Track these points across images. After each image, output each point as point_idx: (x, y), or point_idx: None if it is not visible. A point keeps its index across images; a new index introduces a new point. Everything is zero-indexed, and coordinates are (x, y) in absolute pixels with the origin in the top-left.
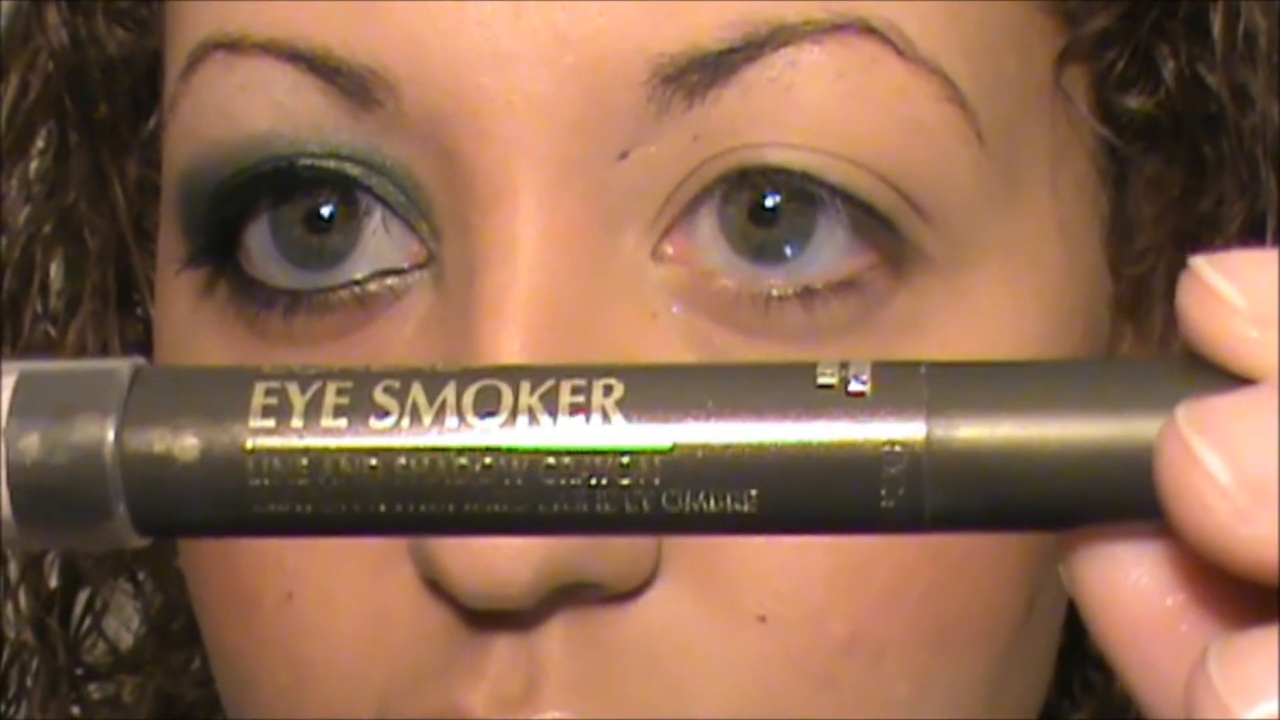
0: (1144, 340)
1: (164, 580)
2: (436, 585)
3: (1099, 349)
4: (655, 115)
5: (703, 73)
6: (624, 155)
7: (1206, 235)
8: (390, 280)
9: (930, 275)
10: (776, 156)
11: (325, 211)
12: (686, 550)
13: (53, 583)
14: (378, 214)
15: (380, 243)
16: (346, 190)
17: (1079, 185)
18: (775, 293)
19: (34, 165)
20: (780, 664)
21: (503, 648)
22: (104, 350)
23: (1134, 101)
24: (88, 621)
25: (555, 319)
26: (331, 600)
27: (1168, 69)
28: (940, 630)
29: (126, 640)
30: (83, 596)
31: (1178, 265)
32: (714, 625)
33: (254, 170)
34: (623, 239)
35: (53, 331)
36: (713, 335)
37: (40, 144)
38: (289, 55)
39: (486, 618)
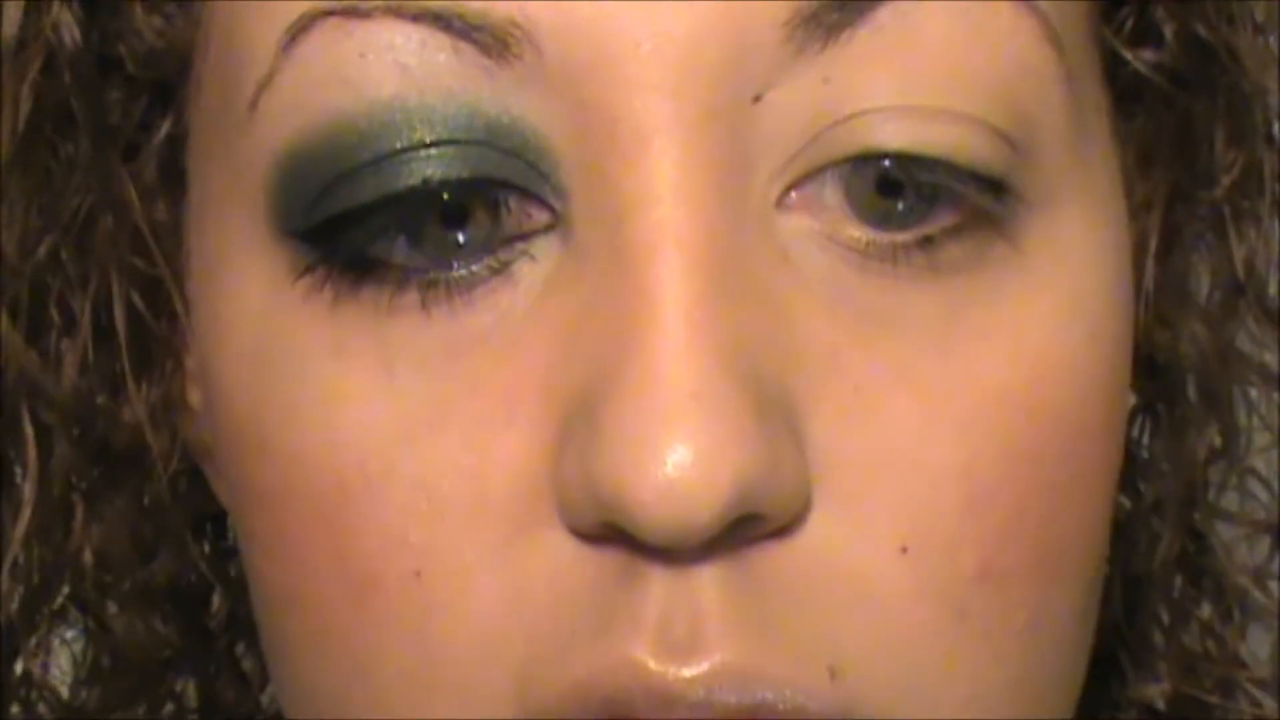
0: (1137, 301)
1: (106, 628)
2: (589, 535)
3: (1134, 296)
4: (792, 56)
5: (842, 13)
6: (758, 98)
7: (1200, 192)
8: (518, 245)
9: (1029, 215)
10: (899, 137)
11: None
12: (835, 483)
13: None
14: (508, 200)
15: (505, 217)
16: (476, 191)
17: (1110, 139)
18: (900, 240)
19: (38, 173)
20: (919, 596)
21: (660, 594)
22: (110, 380)
23: (1142, 58)
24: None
25: (708, 257)
26: (466, 573)
27: (1168, 28)
28: (1054, 558)
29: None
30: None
31: (1170, 222)
32: (862, 557)
33: (376, 169)
34: (754, 182)
35: (59, 345)
36: (843, 277)
37: (47, 150)
38: (416, 15)
39: (639, 566)
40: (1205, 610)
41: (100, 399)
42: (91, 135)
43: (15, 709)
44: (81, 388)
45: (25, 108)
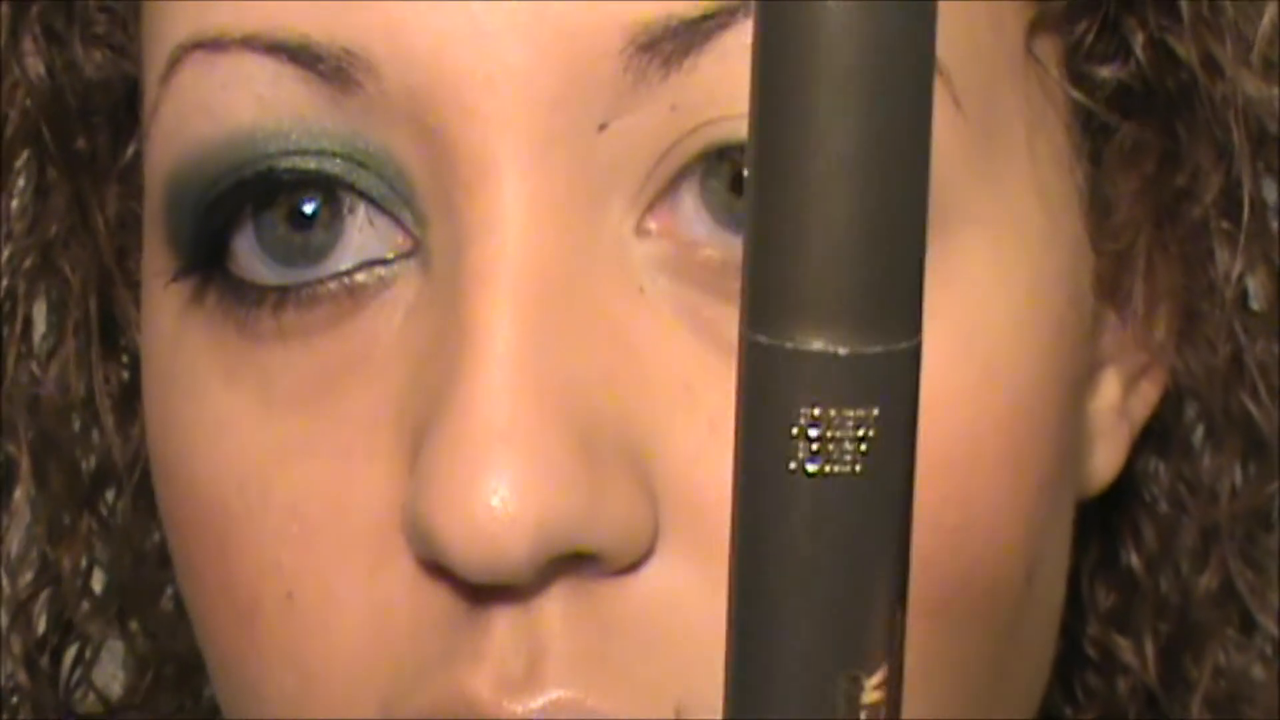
0: (1126, 323)
1: (154, 627)
2: (436, 567)
3: (1083, 324)
4: (633, 85)
5: (678, 41)
6: (603, 127)
7: (1184, 209)
8: (378, 270)
9: None
10: None
11: (308, 209)
12: (686, 522)
13: (41, 629)
14: (361, 210)
15: (365, 236)
16: (329, 190)
17: (1056, 156)
18: None
19: (14, 200)
20: None
21: (503, 628)
22: (88, 392)
23: (1105, 72)
24: (78, 672)
25: (544, 290)
26: (332, 597)
27: (1137, 41)
28: (944, 600)
29: (116, 691)
30: (72, 648)
31: (1156, 242)
32: (714, 601)
33: (237, 173)
34: (607, 213)
35: (37, 371)
36: (701, 307)
37: (19, 178)
38: (269, 48)
39: (486, 599)
40: (1251, 652)
41: (84, 413)
42: (61, 161)
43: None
44: (64, 401)
45: (1, 134)
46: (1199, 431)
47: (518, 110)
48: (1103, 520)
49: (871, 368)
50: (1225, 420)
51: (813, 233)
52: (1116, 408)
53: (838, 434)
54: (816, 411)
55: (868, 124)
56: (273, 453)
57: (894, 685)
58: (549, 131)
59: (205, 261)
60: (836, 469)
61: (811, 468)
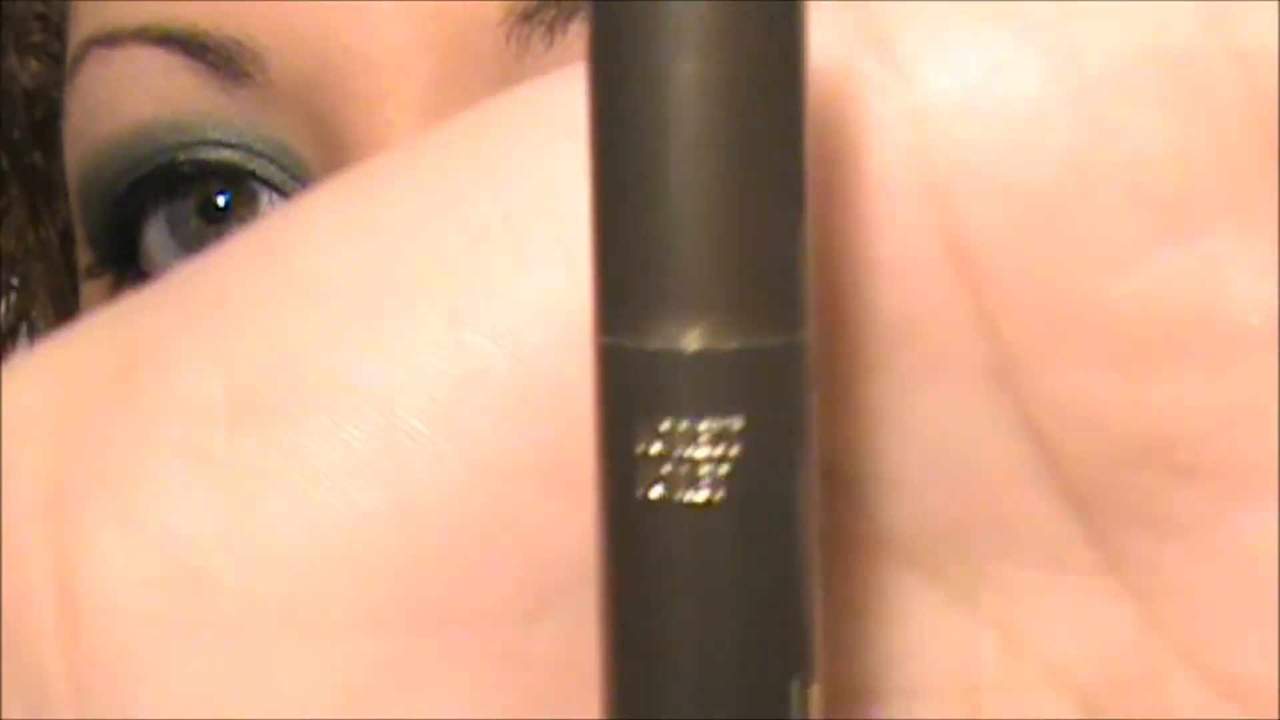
0: None
1: None
2: None
3: None
4: (517, 57)
5: (560, 7)
6: None
7: None
8: None
9: None
10: None
11: (220, 201)
12: None
13: None
14: (265, 198)
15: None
16: (234, 180)
17: None
18: None
19: None
20: None
21: None
22: None
23: None
24: None
25: None
26: None
27: None
28: None
29: None
30: None
31: None
32: None
33: (138, 169)
34: None
35: None
36: None
37: None
38: (160, 40)
39: None
40: None
41: None
42: (14, 174)
43: None
44: None
45: None
46: None
47: (400, 90)
48: None
49: (730, 368)
50: None
51: (655, 211)
52: None
53: (688, 452)
54: (662, 425)
55: (721, 96)
56: None
57: None
58: (434, 108)
59: (118, 257)
60: (687, 496)
61: (655, 494)
